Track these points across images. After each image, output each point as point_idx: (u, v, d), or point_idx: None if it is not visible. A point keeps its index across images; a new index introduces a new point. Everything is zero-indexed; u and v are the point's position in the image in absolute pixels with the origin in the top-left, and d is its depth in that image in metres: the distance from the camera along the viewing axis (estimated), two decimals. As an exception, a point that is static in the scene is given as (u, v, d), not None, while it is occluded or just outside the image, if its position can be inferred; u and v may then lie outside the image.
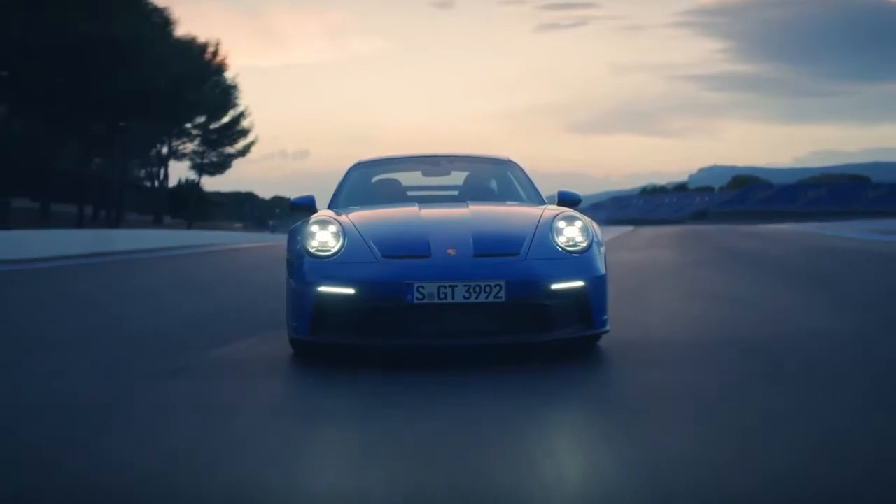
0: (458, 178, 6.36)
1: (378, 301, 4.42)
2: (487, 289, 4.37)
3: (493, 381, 4.19)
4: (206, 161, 52.98)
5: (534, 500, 2.53)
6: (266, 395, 4.16)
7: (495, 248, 4.61)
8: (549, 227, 4.79)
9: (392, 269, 4.48)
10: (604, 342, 5.01)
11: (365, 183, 6.17)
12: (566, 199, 5.65)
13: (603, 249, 4.88)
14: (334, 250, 4.68)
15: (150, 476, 2.79)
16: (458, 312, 4.40)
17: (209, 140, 52.18)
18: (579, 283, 4.57)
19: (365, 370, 4.51)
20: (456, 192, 6.16)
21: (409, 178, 6.42)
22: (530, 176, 6.12)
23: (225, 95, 50.40)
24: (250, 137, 53.09)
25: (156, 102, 36.46)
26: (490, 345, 4.60)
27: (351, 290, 4.47)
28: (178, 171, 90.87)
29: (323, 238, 4.75)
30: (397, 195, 6.02)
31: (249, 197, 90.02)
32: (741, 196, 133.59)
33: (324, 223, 4.87)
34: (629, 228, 51.17)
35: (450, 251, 4.55)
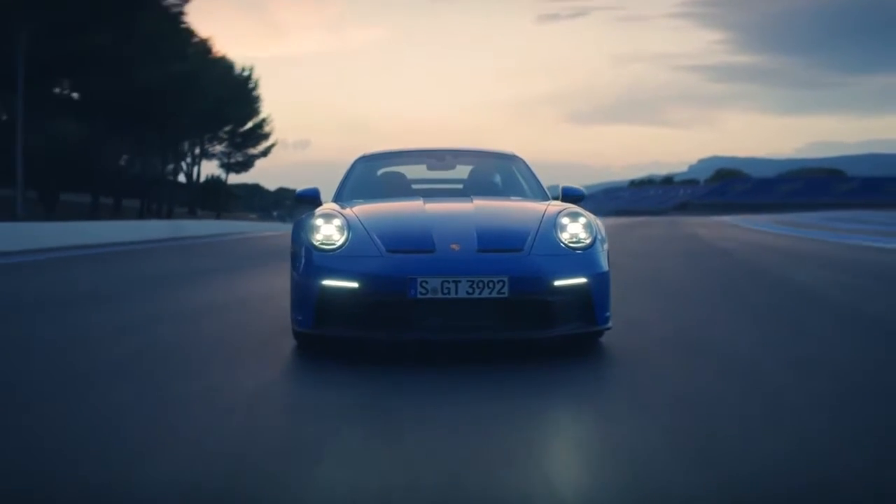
0: (462, 171, 6.19)
1: (382, 295, 4.27)
2: (491, 284, 4.24)
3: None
4: (232, 161, 59.58)
5: None
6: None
7: (499, 244, 4.46)
8: (552, 224, 4.64)
9: (396, 264, 4.34)
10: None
11: (370, 176, 6.01)
12: (570, 195, 5.54)
13: (606, 246, 4.72)
14: (339, 244, 4.53)
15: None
16: (462, 307, 4.24)
17: (235, 143, 58.67)
18: (582, 280, 4.43)
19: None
20: (460, 186, 6.00)
21: (413, 171, 6.27)
22: (533, 169, 5.99)
23: (251, 105, 57.11)
24: (271, 140, 59.98)
25: (202, 120, 45.82)
26: (492, 340, 4.48)
27: (355, 284, 4.33)
28: (205, 169, 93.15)
29: (327, 231, 4.60)
30: (402, 188, 5.88)
31: (257, 189, 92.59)
32: (721, 189, 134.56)
33: (328, 217, 4.71)
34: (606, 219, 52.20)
35: (453, 246, 4.41)
